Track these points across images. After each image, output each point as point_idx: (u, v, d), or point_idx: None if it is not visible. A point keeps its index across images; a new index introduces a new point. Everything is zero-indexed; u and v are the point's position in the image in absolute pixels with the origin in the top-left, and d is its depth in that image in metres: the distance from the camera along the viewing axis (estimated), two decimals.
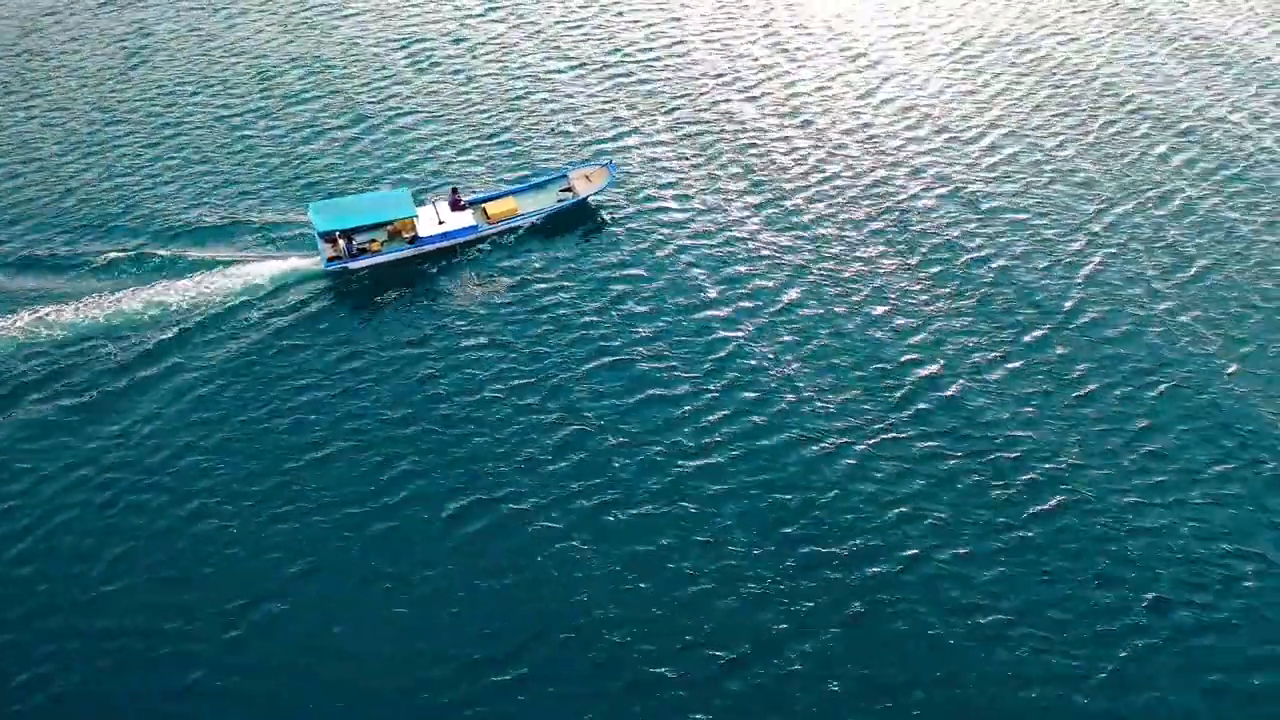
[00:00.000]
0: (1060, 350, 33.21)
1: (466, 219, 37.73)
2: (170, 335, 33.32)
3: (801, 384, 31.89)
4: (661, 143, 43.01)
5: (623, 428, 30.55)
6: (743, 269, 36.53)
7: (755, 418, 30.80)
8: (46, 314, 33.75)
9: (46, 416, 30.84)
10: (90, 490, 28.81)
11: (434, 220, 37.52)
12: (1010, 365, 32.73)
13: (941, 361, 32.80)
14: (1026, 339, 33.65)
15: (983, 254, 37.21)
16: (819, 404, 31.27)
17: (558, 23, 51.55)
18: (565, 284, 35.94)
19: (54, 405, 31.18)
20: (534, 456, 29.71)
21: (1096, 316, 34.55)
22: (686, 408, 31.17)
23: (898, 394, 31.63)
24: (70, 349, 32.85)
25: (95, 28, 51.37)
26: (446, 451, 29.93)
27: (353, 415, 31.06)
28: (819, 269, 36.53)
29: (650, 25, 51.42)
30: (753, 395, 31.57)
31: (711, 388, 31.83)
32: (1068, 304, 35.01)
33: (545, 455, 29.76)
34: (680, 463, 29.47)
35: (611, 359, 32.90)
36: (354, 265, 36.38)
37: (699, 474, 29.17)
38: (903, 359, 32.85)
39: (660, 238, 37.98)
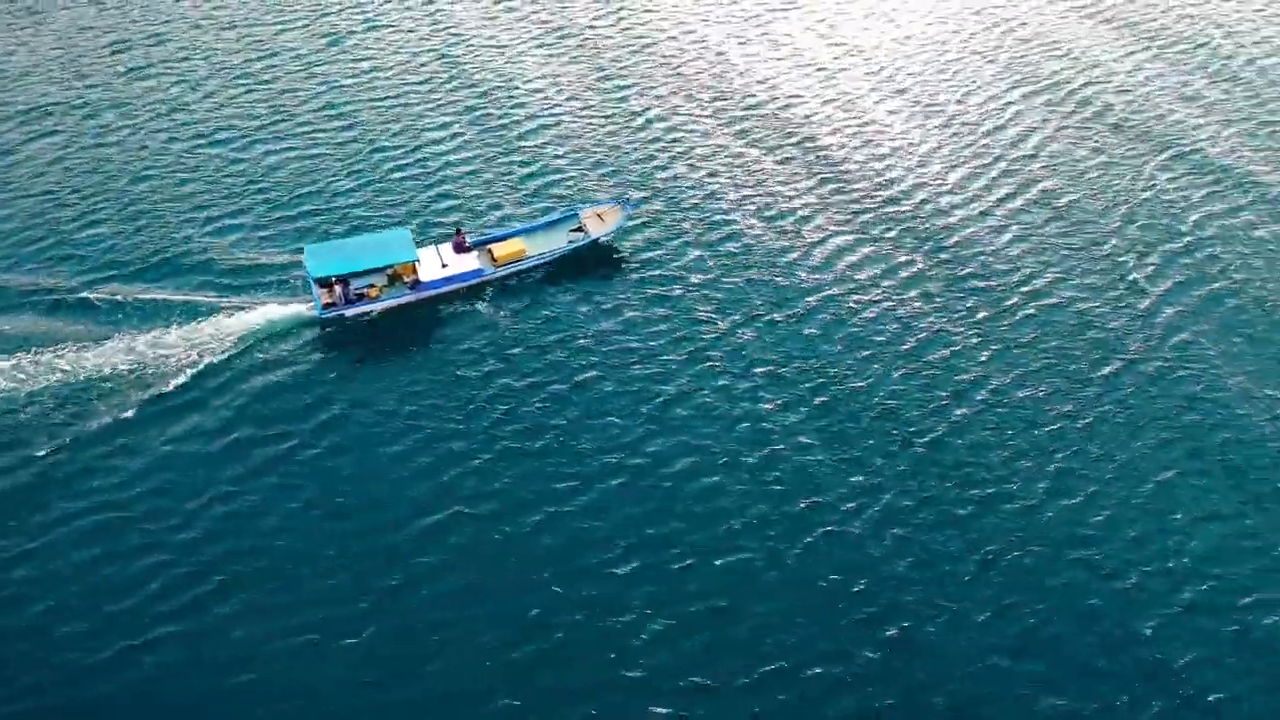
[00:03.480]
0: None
1: (471, 262, 35.52)
2: (143, 394, 30.77)
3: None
4: (686, 180, 40.41)
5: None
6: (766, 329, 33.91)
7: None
8: (22, 360, 31.56)
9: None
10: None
11: (437, 263, 35.36)
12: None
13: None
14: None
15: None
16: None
17: (591, 53, 49.21)
18: (569, 336, 33.67)
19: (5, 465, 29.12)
20: (558, 517, 28.03)
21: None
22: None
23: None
24: (33, 400, 30.55)
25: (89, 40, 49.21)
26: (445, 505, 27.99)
27: (332, 481, 29.09)
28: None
29: (681, 59, 48.84)
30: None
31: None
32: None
33: (537, 515, 27.98)
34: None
35: (619, 417, 30.70)
36: (350, 312, 34.31)
37: None
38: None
39: (672, 288, 35.54)
